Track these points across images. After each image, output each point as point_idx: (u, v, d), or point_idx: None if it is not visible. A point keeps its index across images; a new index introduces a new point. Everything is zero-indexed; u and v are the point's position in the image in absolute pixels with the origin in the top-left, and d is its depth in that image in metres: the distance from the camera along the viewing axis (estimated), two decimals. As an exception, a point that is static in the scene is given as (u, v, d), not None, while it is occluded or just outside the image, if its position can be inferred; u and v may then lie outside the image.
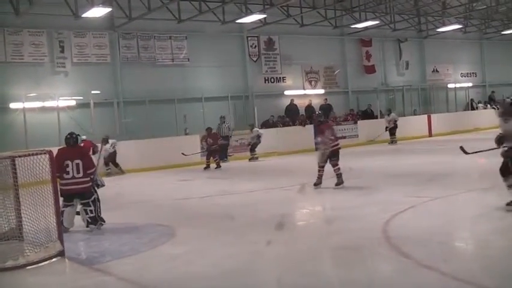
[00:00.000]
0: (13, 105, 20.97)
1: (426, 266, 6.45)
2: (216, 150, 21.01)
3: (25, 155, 9.22)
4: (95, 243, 9.20)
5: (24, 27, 21.57)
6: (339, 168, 12.89)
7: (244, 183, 15.93)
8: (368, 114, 29.80)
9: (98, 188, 10.51)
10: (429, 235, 7.93)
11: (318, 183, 12.86)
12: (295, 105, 28.18)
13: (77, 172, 9.91)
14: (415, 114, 31.66)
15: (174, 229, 9.53)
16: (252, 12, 24.72)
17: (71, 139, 10.26)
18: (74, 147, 10.27)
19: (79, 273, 7.49)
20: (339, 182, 12.81)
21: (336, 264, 6.08)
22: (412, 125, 29.84)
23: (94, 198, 10.15)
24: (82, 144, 11.27)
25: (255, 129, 23.16)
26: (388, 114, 26.65)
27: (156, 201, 13.92)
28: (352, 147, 25.50)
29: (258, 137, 22.89)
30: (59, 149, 10.25)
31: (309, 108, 28.23)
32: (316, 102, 28.90)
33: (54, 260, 7.96)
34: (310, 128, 24.80)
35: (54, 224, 8.43)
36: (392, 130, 26.36)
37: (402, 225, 8.73)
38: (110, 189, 17.28)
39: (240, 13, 25.32)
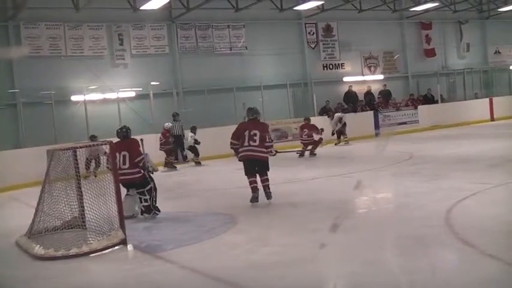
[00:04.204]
0: (74, 98, 21.28)
1: (490, 255, 6.22)
2: (311, 142, 19.88)
3: (86, 146, 9.37)
4: (156, 231, 9.26)
5: (84, 22, 21.86)
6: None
7: (306, 171, 15.81)
8: (428, 99, 29.19)
9: (151, 173, 10.55)
10: (493, 223, 7.66)
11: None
12: (354, 91, 27.85)
13: (123, 163, 10.02)
14: (476, 98, 30.65)
15: (236, 217, 9.48)
16: (309, -1, 24.49)
17: (121, 133, 10.52)
18: (123, 141, 10.45)
19: (141, 260, 7.51)
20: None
21: (398, 253, 5.92)
22: (474, 109, 29.11)
23: (150, 188, 10.24)
24: None
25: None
26: (333, 117, 23.51)
27: (217, 189, 13.93)
28: (412, 133, 25.27)
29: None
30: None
31: (368, 94, 27.96)
32: (375, 88, 28.59)
33: (116, 248, 8.04)
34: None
35: (116, 213, 8.50)
36: (341, 130, 23.31)
37: (466, 212, 8.45)
38: (172, 178, 17.51)
39: (297, 0, 25.10)
